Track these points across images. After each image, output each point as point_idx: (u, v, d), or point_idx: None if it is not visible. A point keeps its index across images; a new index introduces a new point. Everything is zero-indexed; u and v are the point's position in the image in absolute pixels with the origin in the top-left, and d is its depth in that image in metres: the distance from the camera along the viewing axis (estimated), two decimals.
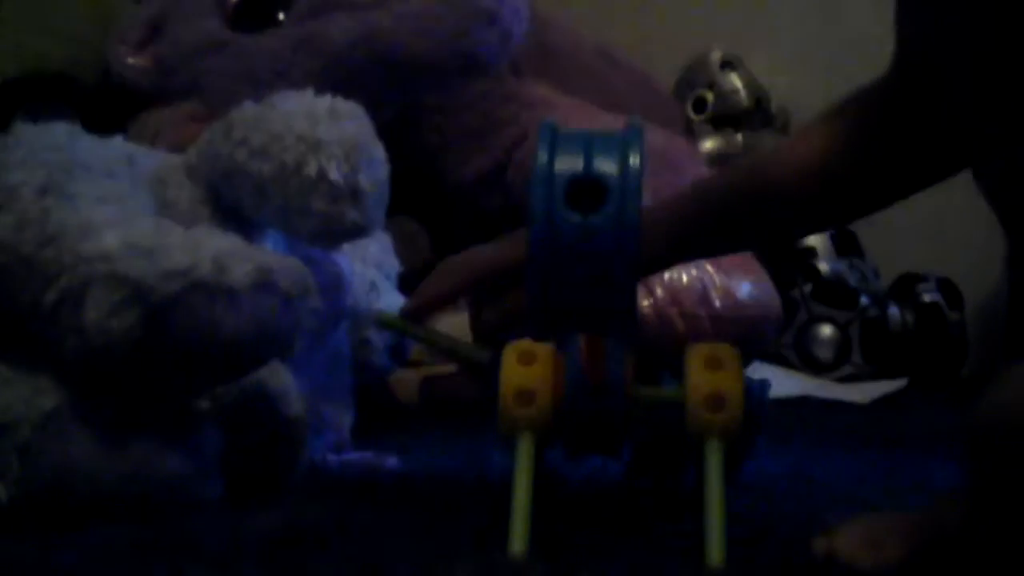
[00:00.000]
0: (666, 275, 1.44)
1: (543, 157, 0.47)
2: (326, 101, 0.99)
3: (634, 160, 0.46)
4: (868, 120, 0.89)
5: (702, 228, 0.93)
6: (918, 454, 1.19)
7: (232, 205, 1.01)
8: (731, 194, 0.93)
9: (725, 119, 2.11)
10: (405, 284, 1.24)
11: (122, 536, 0.79)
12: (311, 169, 0.95)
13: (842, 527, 0.76)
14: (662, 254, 0.93)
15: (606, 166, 0.46)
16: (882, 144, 0.88)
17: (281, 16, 1.53)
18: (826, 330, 1.84)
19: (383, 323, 0.95)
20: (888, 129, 0.87)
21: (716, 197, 0.93)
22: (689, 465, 0.85)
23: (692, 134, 2.00)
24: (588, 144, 0.47)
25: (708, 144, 2.05)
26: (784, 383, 1.66)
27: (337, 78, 1.40)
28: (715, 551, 0.74)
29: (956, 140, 0.80)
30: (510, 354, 0.82)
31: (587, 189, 0.45)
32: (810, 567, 0.74)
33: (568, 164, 0.46)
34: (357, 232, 0.98)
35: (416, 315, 0.98)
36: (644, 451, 0.88)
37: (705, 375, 0.80)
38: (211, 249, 0.83)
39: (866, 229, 2.02)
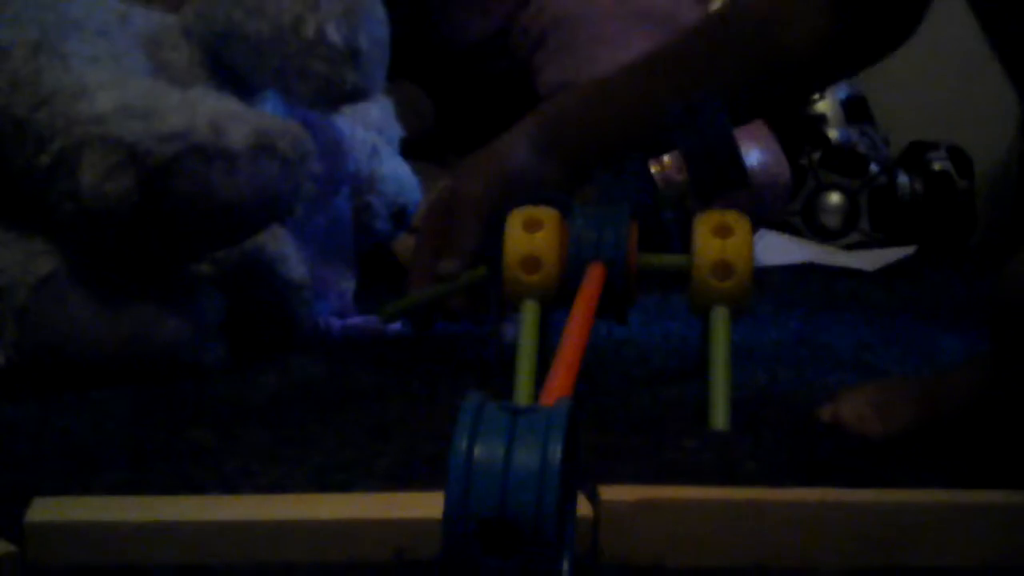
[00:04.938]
0: None
1: (461, 446, 0.43)
2: None
3: (550, 499, 0.42)
4: None
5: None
6: (925, 321, 1.18)
7: (229, 67, 0.98)
8: (734, 63, 0.89)
9: None
10: (407, 149, 1.22)
11: (122, 399, 0.79)
12: (309, 29, 0.93)
13: (848, 393, 0.75)
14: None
15: (520, 504, 0.42)
16: None
17: None
18: (834, 198, 1.82)
19: (389, 315, 0.94)
20: None
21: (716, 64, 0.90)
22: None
23: None
24: (508, 452, 0.42)
25: (717, 4, 2.00)
26: (791, 250, 1.65)
27: None
28: (719, 415, 0.74)
29: None
30: (515, 221, 0.80)
31: (501, 530, 0.42)
32: (815, 433, 0.73)
33: (482, 496, 0.42)
34: (357, 95, 0.96)
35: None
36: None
37: (713, 242, 0.78)
38: (208, 112, 0.82)
39: (876, 96, 1.99)
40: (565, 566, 0.47)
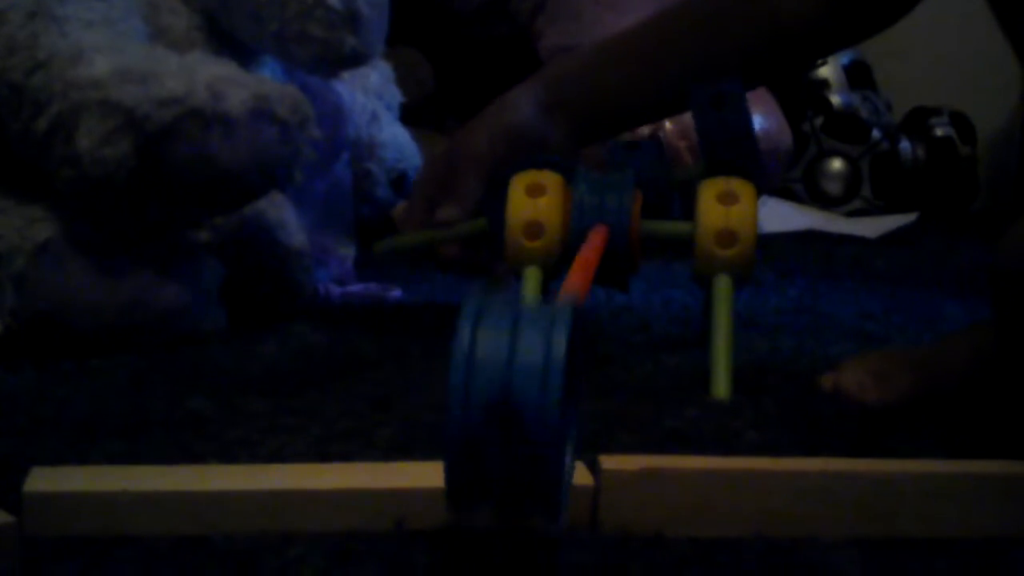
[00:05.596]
0: None
1: (464, 333, 0.42)
2: None
3: (554, 387, 0.41)
4: None
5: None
6: (927, 289, 1.18)
7: (228, 31, 0.97)
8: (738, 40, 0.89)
9: None
10: (407, 115, 1.21)
11: (121, 367, 0.79)
12: None
13: (849, 362, 0.75)
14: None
15: (524, 391, 0.41)
16: None
17: None
18: (836, 164, 1.82)
19: (382, 251, 0.93)
20: None
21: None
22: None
23: None
24: (512, 346, 0.41)
25: None
26: (792, 217, 1.64)
27: None
28: (720, 384, 0.74)
29: None
30: (518, 186, 0.80)
31: (505, 415, 0.41)
32: (816, 401, 0.73)
33: (485, 382, 0.41)
34: (356, 59, 0.95)
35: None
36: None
37: (717, 209, 0.78)
38: (206, 76, 0.81)
39: (879, 61, 1.98)
40: (568, 459, 0.46)
